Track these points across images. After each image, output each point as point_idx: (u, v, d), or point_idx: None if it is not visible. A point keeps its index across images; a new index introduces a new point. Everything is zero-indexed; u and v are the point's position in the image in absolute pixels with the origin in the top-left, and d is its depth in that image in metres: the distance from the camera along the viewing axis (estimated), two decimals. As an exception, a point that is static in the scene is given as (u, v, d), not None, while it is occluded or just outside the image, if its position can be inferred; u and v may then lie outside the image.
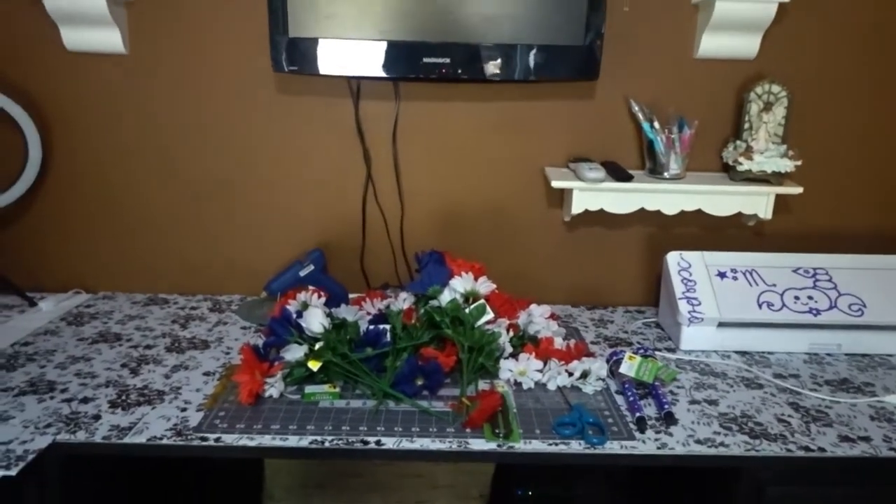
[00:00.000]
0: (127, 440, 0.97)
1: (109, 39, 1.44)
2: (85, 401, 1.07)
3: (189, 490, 1.39)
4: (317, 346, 1.11)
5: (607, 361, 1.21)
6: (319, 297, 1.25)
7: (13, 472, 0.88)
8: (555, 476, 1.39)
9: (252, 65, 1.47)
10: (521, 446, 0.98)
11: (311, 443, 0.98)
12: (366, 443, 0.98)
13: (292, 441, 0.98)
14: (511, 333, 1.24)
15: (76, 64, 1.47)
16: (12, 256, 1.57)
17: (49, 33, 1.43)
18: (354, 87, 1.48)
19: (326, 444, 0.97)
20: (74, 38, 1.44)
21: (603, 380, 1.17)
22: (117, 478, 1.19)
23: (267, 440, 0.98)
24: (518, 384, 1.16)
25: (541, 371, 1.17)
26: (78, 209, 1.56)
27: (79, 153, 1.52)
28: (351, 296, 1.44)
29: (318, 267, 1.48)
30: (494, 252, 1.57)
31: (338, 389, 1.12)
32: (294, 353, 1.12)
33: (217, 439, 0.98)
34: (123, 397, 1.09)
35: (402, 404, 1.09)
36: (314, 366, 1.10)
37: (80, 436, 0.97)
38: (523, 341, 1.26)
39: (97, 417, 1.02)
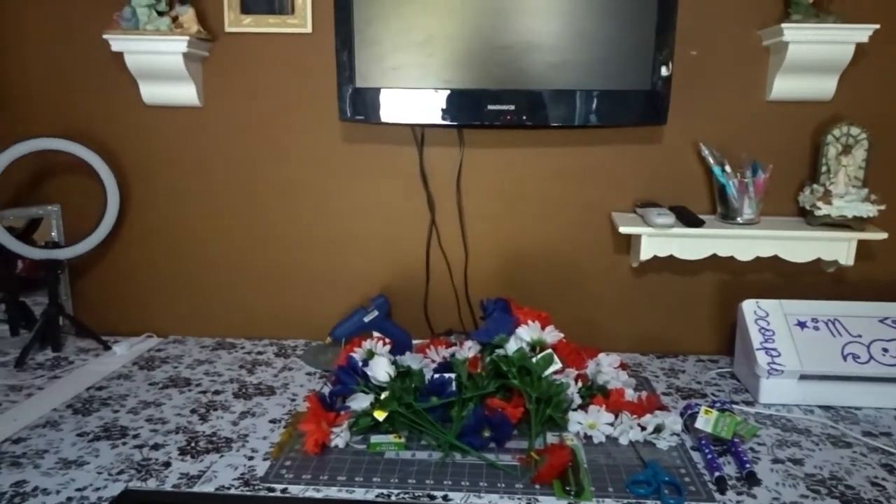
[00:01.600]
0: (196, 489, 0.97)
1: (185, 93, 1.50)
2: (156, 447, 1.09)
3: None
4: (383, 396, 1.10)
5: (681, 415, 1.16)
6: (384, 344, 1.24)
7: (87, 519, 0.89)
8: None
9: (318, 115, 1.50)
10: (594, 505, 0.94)
11: (377, 496, 0.96)
12: (433, 497, 0.96)
13: (359, 493, 0.96)
14: (579, 384, 1.20)
15: (153, 118, 1.54)
16: (89, 302, 1.63)
17: (129, 89, 1.50)
18: (419, 134, 1.50)
19: (393, 498, 0.96)
20: (152, 92, 1.51)
21: (678, 435, 1.12)
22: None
23: (333, 492, 0.97)
24: (588, 438, 1.12)
25: (612, 424, 1.12)
26: (151, 257, 1.61)
27: (152, 203, 1.58)
28: (415, 342, 1.44)
29: (382, 313, 1.48)
30: (559, 299, 1.55)
31: (403, 440, 1.10)
32: (360, 402, 1.11)
33: (284, 490, 0.97)
34: (193, 444, 1.10)
35: (468, 457, 1.06)
36: (380, 416, 1.09)
37: (151, 483, 0.98)
38: (592, 392, 1.22)
39: (167, 465, 1.03)
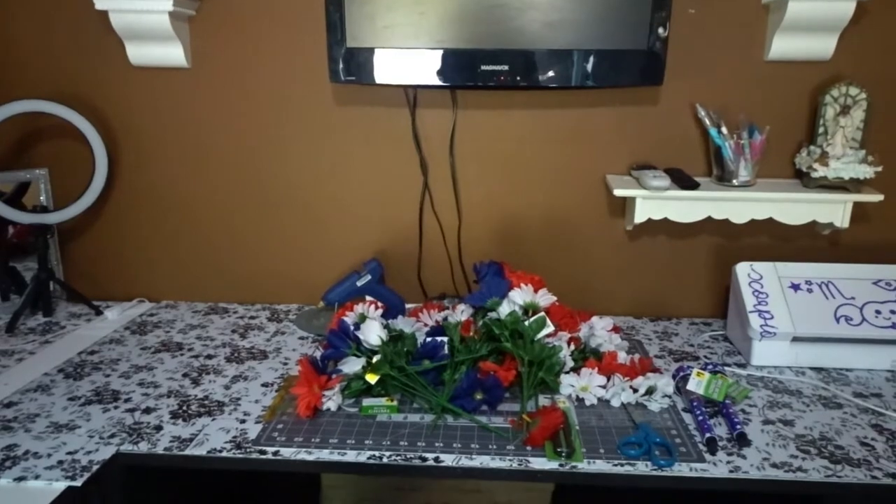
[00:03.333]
0: (188, 452, 0.97)
1: (172, 54, 1.46)
2: (147, 411, 1.09)
3: (247, 501, 1.40)
4: (374, 359, 1.10)
5: (674, 377, 1.16)
6: (377, 308, 1.23)
7: (78, 482, 0.89)
8: (616, 497, 1.34)
9: (310, 76, 1.47)
10: (585, 466, 0.94)
11: (369, 458, 0.96)
12: (424, 459, 0.96)
13: (350, 456, 0.97)
14: (572, 347, 1.20)
15: (140, 78, 1.51)
16: (80, 267, 1.62)
17: (115, 49, 1.47)
18: (411, 96, 1.47)
19: (385, 460, 0.96)
20: (139, 53, 1.47)
21: (669, 397, 1.12)
22: (175, 488, 1.20)
23: (325, 454, 0.97)
24: (580, 400, 1.13)
25: (604, 387, 1.13)
26: (141, 220, 1.59)
27: (142, 166, 1.56)
28: (408, 306, 1.43)
29: (375, 277, 1.48)
30: (553, 262, 1.54)
31: (395, 403, 1.11)
32: (352, 365, 1.11)
33: (275, 453, 0.97)
34: (185, 408, 1.10)
35: (460, 419, 1.07)
36: (372, 379, 1.09)
37: (143, 447, 0.98)
38: (585, 355, 1.22)
39: (159, 428, 1.03)
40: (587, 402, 1.12)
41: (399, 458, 0.96)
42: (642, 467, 0.94)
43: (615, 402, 1.12)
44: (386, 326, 1.20)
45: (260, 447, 0.98)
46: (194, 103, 1.52)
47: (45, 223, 1.47)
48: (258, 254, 1.59)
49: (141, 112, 1.53)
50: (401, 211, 1.54)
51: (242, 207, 1.57)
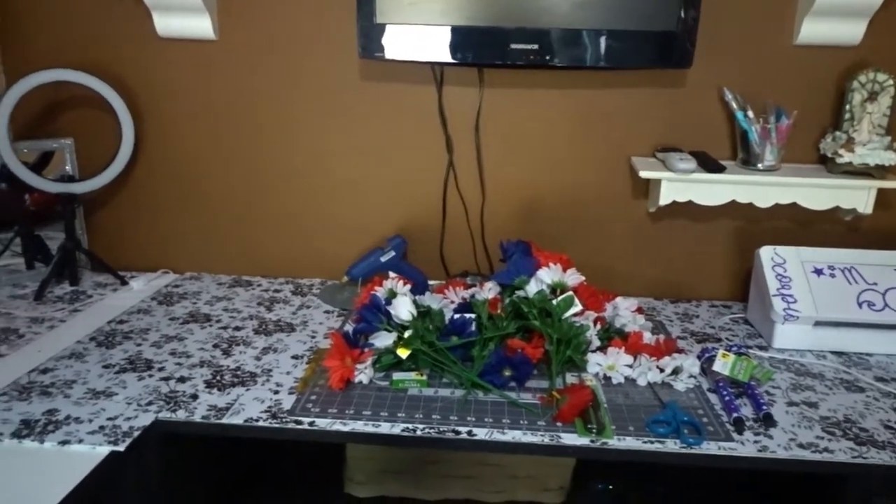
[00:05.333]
0: (225, 420, 0.99)
1: (200, 25, 1.46)
2: (182, 380, 1.10)
3: (273, 470, 1.43)
4: (406, 334, 1.12)
5: (699, 358, 1.17)
6: (405, 284, 1.25)
7: (121, 447, 0.91)
8: (636, 472, 1.37)
9: (337, 52, 1.47)
10: (615, 443, 0.96)
11: (402, 430, 0.98)
12: (457, 433, 0.98)
13: (384, 428, 0.98)
14: (598, 326, 1.21)
15: (166, 50, 1.50)
16: (104, 237, 1.63)
17: (141, 20, 1.47)
18: (438, 73, 1.47)
19: (418, 433, 0.98)
20: (166, 24, 1.47)
21: (695, 377, 1.14)
22: (204, 456, 1.22)
23: (360, 426, 0.99)
24: (607, 379, 1.14)
25: (631, 366, 1.14)
26: (166, 192, 1.60)
27: (168, 138, 1.56)
28: (431, 283, 1.44)
29: (398, 253, 1.49)
30: (575, 243, 1.55)
31: (425, 377, 1.12)
32: (384, 340, 1.13)
33: (311, 423, 0.99)
34: (218, 378, 1.11)
35: (489, 395, 1.08)
36: (403, 353, 1.10)
37: (181, 414, 1.00)
38: (610, 335, 1.23)
39: (195, 397, 1.05)
40: (614, 381, 1.13)
41: (432, 430, 0.98)
42: (671, 445, 0.96)
43: (641, 382, 1.13)
44: (414, 302, 1.21)
45: (295, 417, 1.00)
46: (220, 76, 1.52)
47: (72, 192, 1.48)
48: (282, 227, 1.60)
49: (166, 83, 1.53)
50: (425, 188, 1.55)
51: (266, 181, 1.58)
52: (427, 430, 0.98)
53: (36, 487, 0.83)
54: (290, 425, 0.99)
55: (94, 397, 1.04)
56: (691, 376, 1.13)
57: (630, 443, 0.96)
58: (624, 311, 1.28)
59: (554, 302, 1.18)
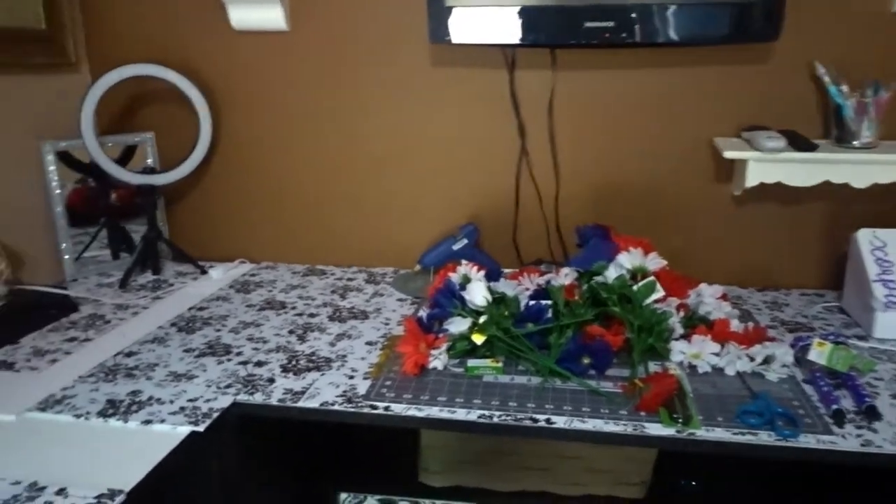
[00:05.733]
0: (301, 404, 0.99)
1: (272, 17, 1.48)
2: (259, 364, 1.11)
3: (347, 457, 1.43)
4: (481, 320, 1.09)
5: (792, 346, 1.10)
6: (479, 270, 1.22)
7: (201, 427, 0.92)
8: (721, 468, 1.30)
9: (406, 37, 1.46)
10: (703, 434, 0.91)
11: (479, 417, 0.96)
12: (535, 420, 0.95)
13: (460, 414, 0.96)
14: (681, 314, 1.16)
15: (242, 43, 1.53)
16: (183, 229, 1.67)
17: (218, 14, 1.49)
18: (509, 56, 1.44)
19: (495, 420, 0.95)
20: (240, 16, 1.49)
21: (788, 367, 1.07)
22: (280, 439, 1.23)
23: (435, 412, 0.97)
24: (692, 368, 1.09)
25: (718, 354, 1.08)
26: (242, 184, 1.63)
27: (243, 130, 1.59)
28: (504, 271, 1.41)
29: (471, 241, 1.47)
30: (653, 229, 1.48)
31: (501, 364, 1.10)
32: (458, 325, 1.11)
33: (386, 408, 0.98)
34: (294, 363, 1.12)
35: (568, 383, 1.05)
36: (478, 339, 1.08)
37: (258, 397, 1.01)
38: (693, 323, 1.18)
39: (271, 381, 1.06)
40: (700, 370, 1.08)
41: (509, 418, 0.95)
42: (765, 437, 0.90)
43: (730, 371, 1.07)
44: (488, 288, 1.19)
45: (370, 402, 0.99)
46: (292, 66, 1.53)
47: (154, 184, 1.52)
48: (354, 217, 1.61)
49: (240, 76, 1.55)
50: (497, 175, 1.52)
51: (339, 171, 1.58)
52: (504, 418, 0.95)
53: (119, 464, 0.84)
54: (366, 410, 0.98)
55: (176, 380, 1.06)
56: (784, 366, 1.07)
57: (719, 434, 0.91)
58: (708, 298, 1.22)
59: (634, 287, 1.13)
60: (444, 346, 1.09)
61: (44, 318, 1.28)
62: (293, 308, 1.36)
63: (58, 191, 1.48)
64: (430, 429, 0.96)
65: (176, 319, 1.30)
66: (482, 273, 1.22)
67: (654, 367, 1.09)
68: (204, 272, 1.56)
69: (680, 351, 1.10)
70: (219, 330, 1.25)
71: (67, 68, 1.53)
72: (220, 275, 1.55)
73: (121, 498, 0.78)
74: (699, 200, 1.47)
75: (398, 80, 1.50)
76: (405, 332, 1.09)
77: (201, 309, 1.35)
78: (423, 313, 1.16)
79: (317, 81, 1.53)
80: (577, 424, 0.94)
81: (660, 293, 1.12)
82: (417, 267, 1.48)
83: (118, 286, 1.47)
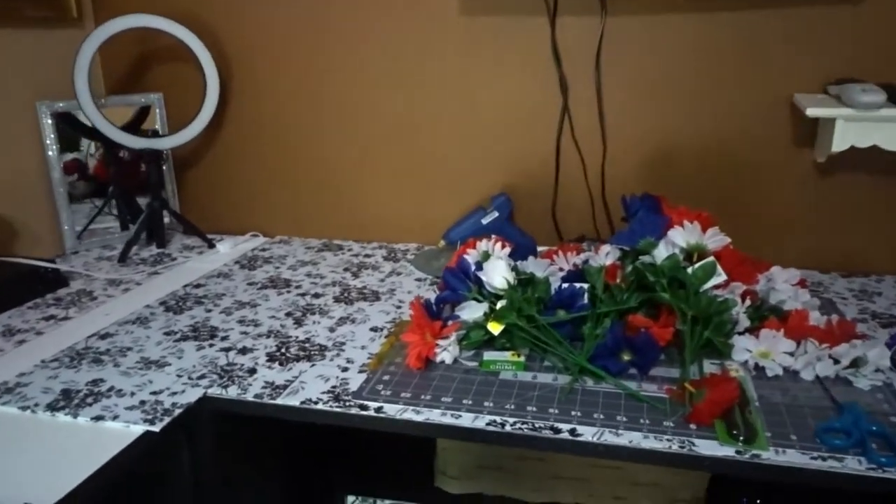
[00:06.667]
0: (279, 401, 0.84)
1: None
2: (244, 351, 0.97)
3: (357, 458, 1.28)
4: (499, 305, 0.92)
5: (888, 347, 0.89)
6: (503, 247, 1.04)
7: (157, 427, 0.78)
8: (794, 488, 1.09)
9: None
10: (772, 456, 0.71)
11: (488, 424, 0.79)
12: (557, 431, 0.77)
13: (466, 420, 0.79)
14: (747, 302, 0.95)
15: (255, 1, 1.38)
16: (197, 200, 1.55)
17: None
18: (551, 0, 1.25)
19: (507, 428, 0.78)
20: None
21: (883, 372, 0.86)
22: (273, 436, 1.09)
23: (436, 415, 0.80)
24: (759, 369, 0.89)
25: (792, 354, 0.88)
26: (256, 151, 1.49)
27: (256, 95, 1.45)
28: (540, 249, 1.23)
29: (503, 214, 1.29)
30: (718, 201, 1.27)
31: (522, 359, 0.92)
32: (472, 311, 0.93)
33: (378, 409, 0.82)
34: (283, 350, 0.97)
35: (602, 384, 0.86)
36: (495, 329, 0.91)
37: (232, 391, 0.86)
38: (762, 314, 0.97)
39: (252, 371, 0.91)
40: (769, 373, 0.87)
41: (525, 426, 0.78)
42: (853, 463, 0.70)
43: (807, 375, 0.87)
44: (514, 268, 1.01)
45: (361, 401, 0.83)
46: (310, 28, 1.38)
47: (156, 149, 1.39)
48: (376, 189, 1.45)
49: (255, 38, 1.42)
50: (535, 138, 1.33)
51: (359, 138, 1.42)
52: (519, 426, 0.78)
53: (51, 470, 0.71)
54: (354, 410, 0.82)
55: (146, 367, 0.92)
56: (878, 370, 0.85)
57: (792, 457, 0.71)
58: (782, 284, 1.00)
59: (689, 270, 0.93)
60: (455, 336, 0.92)
61: (27, 293, 1.17)
62: (297, 287, 1.21)
63: (55, 156, 1.37)
64: (429, 436, 0.80)
65: (167, 297, 1.17)
66: (506, 251, 1.04)
67: (710, 367, 0.90)
68: (212, 246, 1.43)
69: (745, 348, 0.90)
70: (209, 310, 1.11)
71: (69, 23, 1.41)
72: (228, 249, 1.42)
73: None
74: (774, 169, 1.25)
75: (423, 35, 1.32)
76: (411, 318, 0.93)
77: (198, 286, 1.22)
78: (432, 296, 0.99)
79: (334, 45, 1.37)
80: (609, 438, 0.75)
81: (721, 277, 0.92)
82: (442, 243, 1.31)
83: (117, 260, 1.35)
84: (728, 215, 1.24)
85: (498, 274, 0.93)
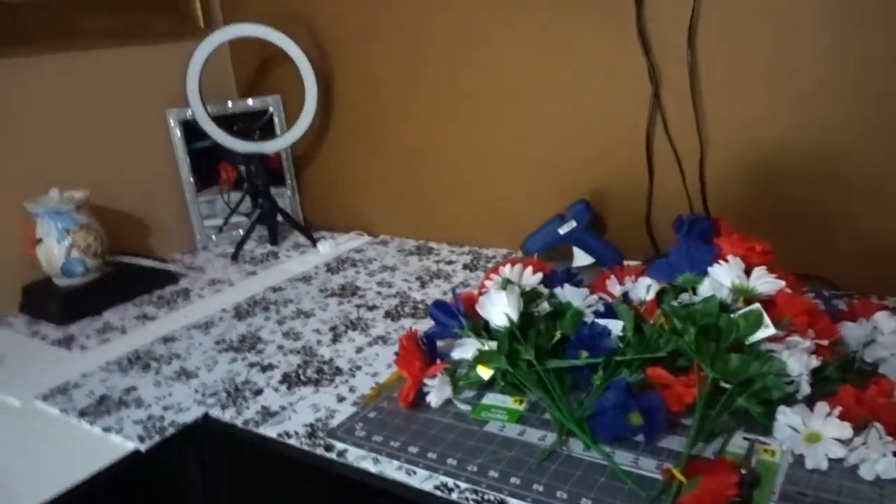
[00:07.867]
0: (262, 430, 0.84)
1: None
2: (266, 368, 0.98)
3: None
4: (486, 347, 0.82)
5: None
6: (535, 271, 0.93)
7: (143, 447, 0.83)
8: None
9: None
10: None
11: (436, 487, 0.71)
12: (503, 506, 0.67)
13: (417, 478, 0.72)
14: (815, 362, 0.74)
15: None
16: (315, 199, 1.62)
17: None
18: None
19: (454, 495, 0.70)
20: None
21: (984, 484, 0.61)
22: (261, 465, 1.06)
23: (391, 469, 0.74)
24: (801, 456, 0.69)
25: (845, 443, 0.66)
26: (362, 151, 1.51)
27: (361, 93, 1.46)
28: (630, 264, 1.08)
29: (581, 223, 1.16)
30: (838, 212, 1.01)
31: (523, 407, 0.82)
32: (464, 350, 0.85)
33: (342, 452, 0.78)
34: (301, 371, 0.97)
35: (593, 452, 0.73)
36: (484, 372, 0.82)
37: (228, 413, 0.88)
38: (845, 376, 0.75)
39: (259, 393, 0.92)
40: (809, 463, 0.67)
41: (473, 496, 0.69)
42: None
43: (865, 473, 0.65)
44: (552, 296, 0.90)
45: (332, 440, 0.80)
46: (407, 30, 1.34)
47: (261, 152, 1.46)
48: (469, 190, 1.38)
49: (357, 38, 1.41)
50: (621, 135, 1.17)
51: (454, 137, 1.37)
52: (467, 494, 0.69)
53: (45, 478, 0.78)
54: (319, 450, 0.79)
55: (177, 378, 0.98)
56: (973, 482, 0.61)
57: None
58: (889, 335, 0.77)
59: (734, 317, 0.75)
60: (440, 376, 0.83)
61: (138, 290, 1.30)
62: (361, 296, 1.20)
63: (183, 159, 1.50)
64: (380, 488, 0.74)
65: (244, 301, 1.23)
66: (537, 277, 0.92)
67: (741, 443, 0.72)
68: (314, 244, 1.48)
69: (789, 424, 0.70)
70: (268, 318, 1.15)
71: (197, 34, 1.53)
72: (328, 249, 1.46)
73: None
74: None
75: (511, 32, 1.22)
76: (401, 350, 0.87)
77: (276, 290, 1.27)
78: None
79: (431, 48, 1.32)
80: (554, 528, 0.64)
81: (769, 330, 0.73)
82: (519, 253, 1.21)
83: (230, 258, 1.46)
84: (853, 227, 0.99)
85: (496, 309, 0.83)
